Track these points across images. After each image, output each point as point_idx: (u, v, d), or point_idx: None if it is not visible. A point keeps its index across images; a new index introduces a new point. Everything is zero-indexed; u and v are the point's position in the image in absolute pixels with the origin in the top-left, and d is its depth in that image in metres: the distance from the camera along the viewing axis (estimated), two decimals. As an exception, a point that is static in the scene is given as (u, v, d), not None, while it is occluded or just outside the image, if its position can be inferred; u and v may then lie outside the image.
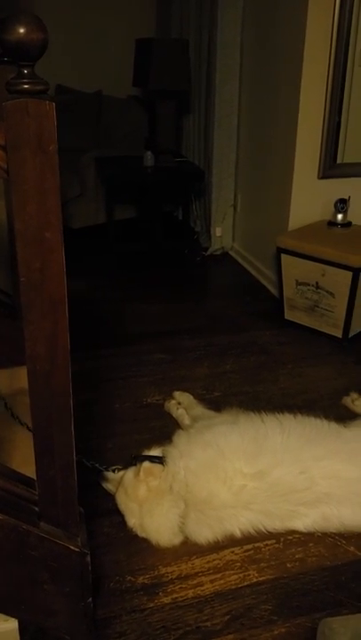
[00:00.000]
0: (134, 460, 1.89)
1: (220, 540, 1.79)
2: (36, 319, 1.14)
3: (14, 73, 1.92)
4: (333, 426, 2.02)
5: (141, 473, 1.79)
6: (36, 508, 1.32)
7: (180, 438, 1.99)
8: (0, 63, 1.90)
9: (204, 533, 1.78)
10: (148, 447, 1.96)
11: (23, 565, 1.31)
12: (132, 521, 1.80)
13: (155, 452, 1.93)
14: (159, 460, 1.86)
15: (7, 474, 1.36)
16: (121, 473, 1.89)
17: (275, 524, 1.81)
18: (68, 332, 1.17)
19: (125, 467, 1.90)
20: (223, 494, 1.78)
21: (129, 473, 1.84)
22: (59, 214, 1.08)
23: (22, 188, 1.05)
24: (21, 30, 0.96)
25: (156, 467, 1.82)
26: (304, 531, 1.83)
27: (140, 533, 1.79)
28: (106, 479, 1.94)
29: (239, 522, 1.79)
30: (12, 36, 0.96)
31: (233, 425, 2.00)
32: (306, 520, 1.82)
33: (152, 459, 1.87)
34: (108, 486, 1.93)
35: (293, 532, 1.83)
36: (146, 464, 1.82)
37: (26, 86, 1.00)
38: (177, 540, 1.77)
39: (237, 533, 1.79)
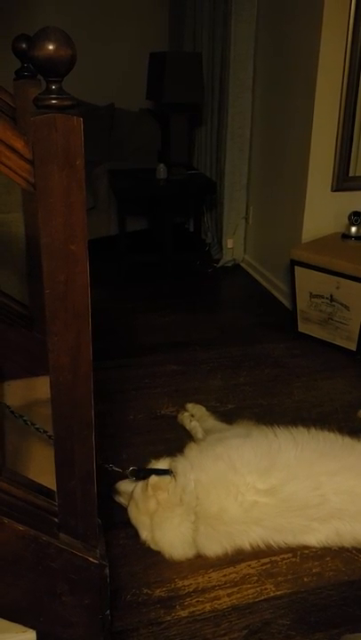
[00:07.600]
0: (137, 473, 1.87)
1: (230, 554, 1.77)
2: (60, 331, 1.15)
3: (35, 87, 1.95)
4: (347, 440, 2.01)
5: (149, 489, 1.78)
6: (56, 520, 1.32)
7: (191, 450, 1.99)
8: (21, 78, 1.94)
9: (213, 548, 1.77)
10: (158, 459, 1.95)
11: (42, 577, 1.31)
12: (144, 534, 1.79)
13: (163, 463, 1.92)
14: (165, 472, 1.85)
15: (27, 484, 1.36)
16: (132, 486, 1.87)
17: (287, 539, 1.80)
18: (91, 344, 1.18)
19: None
20: (234, 510, 1.76)
21: (139, 487, 1.83)
22: (84, 227, 1.09)
23: (49, 201, 1.06)
24: (50, 47, 0.97)
25: (164, 479, 1.81)
26: (317, 546, 1.81)
27: (154, 547, 1.78)
28: (118, 492, 1.94)
29: (250, 537, 1.77)
30: (41, 52, 0.97)
31: (245, 438, 1.98)
32: (319, 535, 1.80)
33: (158, 472, 1.85)
34: (121, 500, 1.92)
35: (309, 546, 1.81)
36: (153, 478, 1.80)
37: (54, 101, 1.02)
38: (191, 554, 1.76)
39: (248, 548, 1.78)
